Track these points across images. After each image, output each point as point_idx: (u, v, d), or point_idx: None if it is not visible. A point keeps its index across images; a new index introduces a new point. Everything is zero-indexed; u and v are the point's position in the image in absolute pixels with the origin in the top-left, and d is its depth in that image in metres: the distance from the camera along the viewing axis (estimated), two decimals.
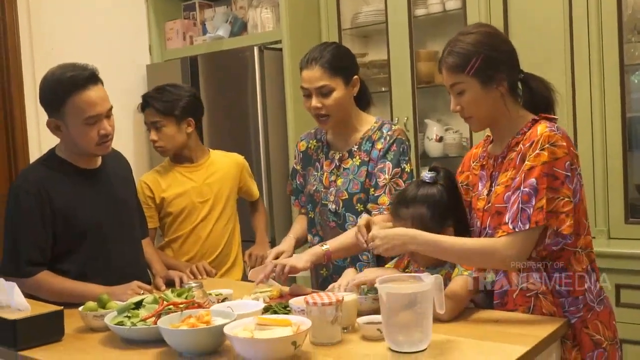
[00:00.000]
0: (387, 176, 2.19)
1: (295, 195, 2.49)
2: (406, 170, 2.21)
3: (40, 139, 3.45)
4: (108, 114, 2.16)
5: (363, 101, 2.33)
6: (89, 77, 2.12)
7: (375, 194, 2.20)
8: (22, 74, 3.46)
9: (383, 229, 1.78)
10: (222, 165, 2.77)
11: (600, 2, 2.83)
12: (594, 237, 1.99)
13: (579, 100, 2.90)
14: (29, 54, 3.50)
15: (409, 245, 1.74)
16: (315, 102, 2.19)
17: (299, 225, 2.45)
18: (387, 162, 2.20)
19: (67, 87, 2.09)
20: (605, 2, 2.82)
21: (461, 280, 1.78)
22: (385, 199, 2.17)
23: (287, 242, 2.34)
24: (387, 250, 1.75)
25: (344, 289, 1.85)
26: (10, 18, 3.43)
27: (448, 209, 1.85)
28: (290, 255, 2.24)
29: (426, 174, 1.90)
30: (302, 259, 2.07)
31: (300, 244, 2.42)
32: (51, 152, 2.24)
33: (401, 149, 2.21)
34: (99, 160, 2.27)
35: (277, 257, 2.21)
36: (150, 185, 2.67)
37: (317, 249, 2.10)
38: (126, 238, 2.31)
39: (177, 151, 2.70)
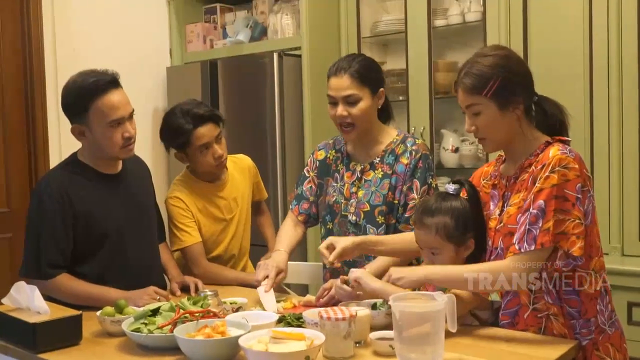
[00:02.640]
0: (416, 195, 2.21)
1: (297, 200, 2.46)
2: (432, 185, 2.25)
3: (60, 142, 3.50)
4: (130, 117, 2.21)
5: (384, 114, 2.35)
6: (110, 82, 2.17)
7: (406, 215, 2.22)
8: (45, 75, 3.52)
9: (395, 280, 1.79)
10: (239, 177, 2.73)
11: (620, 17, 2.83)
12: (607, 254, 2.01)
13: (596, 114, 2.91)
14: (52, 55, 3.56)
15: (422, 280, 1.79)
16: (341, 110, 2.20)
17: (288, 235, 2.38)
18: (415, 180, 2.22)
19: (90, 92, 2.13)
20: (625, 17, 2.82)
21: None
22: None
23: (281, 259, 2.27)
24: (404, 284, 1.79)
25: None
26: (35, 20, 3.49)
27: (471, 221, 1.87)
28: (286, 274, 2.25)
29: (450, 186, 1.92)
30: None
31: (291, 256, 2.36)
32: (73, 157, 2.28)
33: (427, 165, 2.24)
34: (120, 165, 2.31)
35: (278, 273, 2.21)
36: (188, 204, 2.56)
37: None
38: (145, 242, 2.35)
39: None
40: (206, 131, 2.50)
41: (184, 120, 2.49)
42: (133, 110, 2.22)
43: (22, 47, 3.50)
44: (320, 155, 2.44)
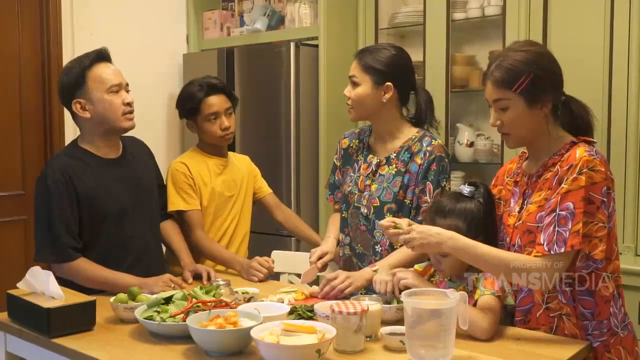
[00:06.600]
0: (429, 199, 2.19)
1: (331, 190, 2.50)
2: (446, 188, 2.22)
3: (76, 128, 3.52)
4: (127, 89, 2.28)
5: (420, 118, 2.32)
6: (99, 55, 2.25)
7: (419, 218, 2.19)
8: (62, 61, 3.53)
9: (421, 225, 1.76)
10: (240, 166, 2.78)
11: None
12: (620, 254, 2.00)
13: (614, 112, 2.88)
14: (70, 41, 3.59)
15: (444, 245, 1.73)
16: (346, 89, 2.27)
17: (335, 225, 2.46)
18: (428, 183, 2.20)
19: (87, 61, 2.23)
20: None
21: (489, 298, 1.77)
22: None
23: (330, 243, 2.39)
24: (421, 245, 1.76)
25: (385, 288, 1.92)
26: (53, 6, 3.51)
27: (482, 225, 1.86)
28: (334, 257, 2.34)
29: (465, 188, 1.90)
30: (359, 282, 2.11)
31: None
32: (73, 143, 2.33)
33: (441, 167, 2.20)
34: (120, 149, 2.34)
35: (320, 258, 2.29)
36: (192, 172, 2.61)
37: (369, 273, 2.11)
38: (148, 224, 2.38)
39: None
40: (216, 101, 2.61)
41: (197, 88, 2.62)
42: (128, 84, 2.28)
43: (41, 34, 3.53)
44: (345, 143, 2.46)
